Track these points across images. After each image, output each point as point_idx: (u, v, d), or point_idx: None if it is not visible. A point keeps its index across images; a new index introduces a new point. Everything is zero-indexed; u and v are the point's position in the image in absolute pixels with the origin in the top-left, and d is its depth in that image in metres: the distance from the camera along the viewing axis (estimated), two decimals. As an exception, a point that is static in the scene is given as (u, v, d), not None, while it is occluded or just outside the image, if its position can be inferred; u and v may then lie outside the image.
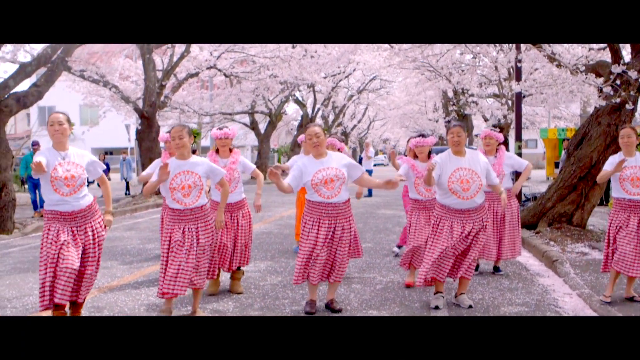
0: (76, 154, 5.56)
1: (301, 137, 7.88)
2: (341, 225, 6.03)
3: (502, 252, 7.73)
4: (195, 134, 6.14)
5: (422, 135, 7.35)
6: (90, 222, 5.53)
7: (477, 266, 7.95)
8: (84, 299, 5.69)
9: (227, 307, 6.43)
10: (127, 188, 23.28)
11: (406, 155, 7.66)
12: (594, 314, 6.07)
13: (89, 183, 13.88)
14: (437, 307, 6.23)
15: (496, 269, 8.03)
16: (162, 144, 7.76)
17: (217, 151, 7.04)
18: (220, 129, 7.01)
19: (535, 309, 6.29)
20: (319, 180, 5.93)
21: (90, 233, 5.50)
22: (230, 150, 7.03)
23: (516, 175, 9.74)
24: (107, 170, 20.52)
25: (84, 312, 6.02)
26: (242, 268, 7.20)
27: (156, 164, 7.12)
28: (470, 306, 6.33)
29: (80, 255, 5.42)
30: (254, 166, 7.27)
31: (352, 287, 7.24)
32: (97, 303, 6.57)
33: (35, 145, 17.75)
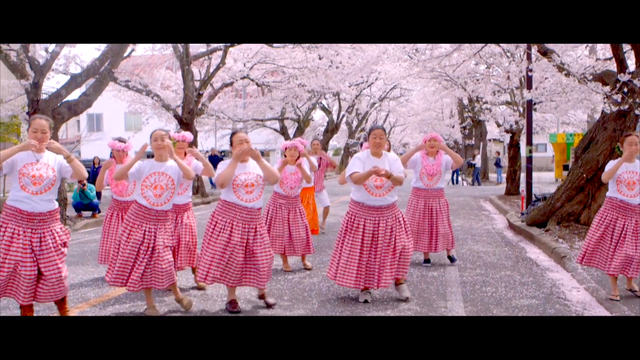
0: (51, 157, 5.21)
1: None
2: (254, 229, 5.77)
3: (438, 244, 7.90)
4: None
5: None
6: (49, 227, 5.11)
7: (428, 260, 8.13)
8: (64, 300, 5.39)
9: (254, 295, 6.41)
10: None
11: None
12: (600, 307, 6.00)
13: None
14: (366, 301, 6.14)
15: (427, 261, 8.17)
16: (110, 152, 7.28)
17: None
18: (178, 132, 6.68)
19: (545, 301, 6.22)
20: (241, 182, 5.71)
21: (49, 238, 5.07)
22: (185, 154, 6.76)
23: None
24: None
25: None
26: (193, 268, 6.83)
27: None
28: (407, 298, 6.20)
29: (35, 259, 5.01)
30: (202, 167, 6.61)
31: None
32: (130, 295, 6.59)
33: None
